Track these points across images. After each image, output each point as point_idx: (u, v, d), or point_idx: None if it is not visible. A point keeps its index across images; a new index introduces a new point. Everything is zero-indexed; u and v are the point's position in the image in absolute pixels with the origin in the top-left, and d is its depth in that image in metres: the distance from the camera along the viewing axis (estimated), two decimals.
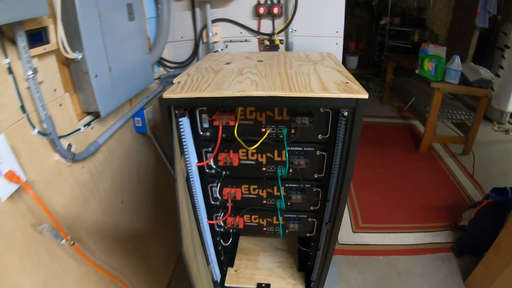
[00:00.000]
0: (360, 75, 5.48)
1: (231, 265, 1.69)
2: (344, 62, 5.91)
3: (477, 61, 3.15)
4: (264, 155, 1.12)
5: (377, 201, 2.42)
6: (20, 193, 0.79)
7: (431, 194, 2.49)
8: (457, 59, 2.65)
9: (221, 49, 1.62)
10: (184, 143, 1.05)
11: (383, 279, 1.79)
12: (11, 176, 0.71)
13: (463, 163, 2.90)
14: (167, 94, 0.93)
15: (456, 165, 2.88)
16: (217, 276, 1.59)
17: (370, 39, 5.89)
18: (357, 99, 0.83)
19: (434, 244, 2.03)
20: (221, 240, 1.46)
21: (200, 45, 1.64)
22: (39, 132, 0.84)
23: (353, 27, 5.91)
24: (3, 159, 0.70)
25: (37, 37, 0.84)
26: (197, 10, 1.57)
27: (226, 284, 1.60)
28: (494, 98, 3.56)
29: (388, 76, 4.07)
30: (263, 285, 1.59)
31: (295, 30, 1.53)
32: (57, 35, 0.87)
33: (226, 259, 1.67)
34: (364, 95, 0.83)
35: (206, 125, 1.09)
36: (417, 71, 2.98)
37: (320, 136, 1.06)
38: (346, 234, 2.09)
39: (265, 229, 1.35)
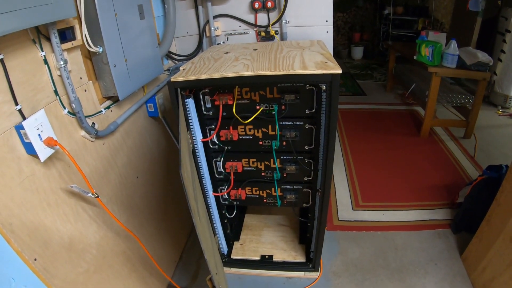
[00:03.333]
0: (366, 65, 5.56)
1: (237, 240, 1.86)
2: (349, 53, 6.00)
3: (481, 48, 3.18)
4: (260, 130, 1.28)
5: (377, 181, 2.51)
6: (53, 159, 0.97)
7: (430, 175, 2.56)
8: (453, 44, 2.72)
9: (223, 42, 1.78)
10: (190, 121, 1.22)
11: (380, 252, 1.87)
12: (49, 141, 0.89)
13: (464, 146, 2.95)
14: (174, 78, 1.10)
15: (457, 147, 2.93)
16: (224, 249, 1.75)
17: (374, 30, 5.94)
18: (332, 74, 0.98)
19: (431, 221, 2.09)
20: (226, 213, 1.62)
21: (203, 39, 1.81)
22: (68, 112, 1.03)
23: (357, 18, 5.99)
24: (43, 128, 0.88)
25: (66, 34, 1.02)
26: (200, 7, 1.74)
27: (232, 256, 1.77)
28: (497, 83, 3.59)
29: (391, 64, 4.13)
30: (266, 256, 1.75)
31: (288, 21, 1.68)
32: (82, 33, 1.06)
33: (233, 234, 1.83)
34: (338, 70, 0.97)
35: (208, 105, 1.26)
36: (415, 57, 3.06)
37: (307, 111, 1.21)
38: (346, 212, 2.20)
39: (265, 200, 1.51)
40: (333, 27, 1.68)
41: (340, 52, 6.07)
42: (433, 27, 5.11)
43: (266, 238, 1.87)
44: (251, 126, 1.28)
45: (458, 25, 4.56)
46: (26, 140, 0.86)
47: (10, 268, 0.83)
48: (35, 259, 0.89)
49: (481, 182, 1.92)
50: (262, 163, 1.38)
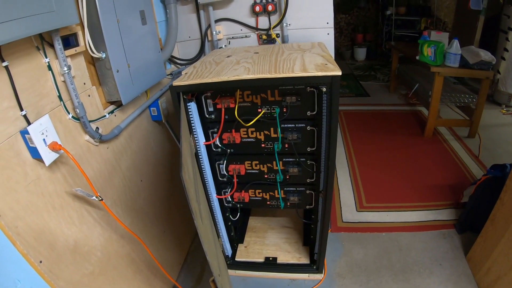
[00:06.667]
0: (369, 66, 5.55)
1: (241, 242, 1.86)
2: (352, 54, 6.00)
3: (483, 46, 3.16)
4: (262, 133, 1.29)
5: (381, 182, 2.50)
6: (58, 163, 0.99)
7: (435, 175, 2.54)
8: (456, 43, 2.71)
9: (225, 45, 1.80)
10: (192, 125, 1.23)
11: (384, 253, 1.87)
12: (54, 146, 0.90)
13: (468, 145, 2.93)
14: (176, 82, 1.12)
15: (461, 147, 2.91)
16: (228, 251, 1.76)
17: (377, 30, 5.94)
18: (332, 76, 0.99)
19: (436, 221, 2.08)
20: (230, 216, 1.63)
21: (206, 43, 1.82)
22: (72, 117, 1.04)
23: (360, 20, 5.99)
24: (48, 133, 0.90)
25: (69, 41, 1.03)
26: (201, 12, 1.76)
27: (236, 258, 1.77)
28: (500, 81, 3.57)
29: (394, 64, 4.13)
30: (271, 258, 1.75)
31: (289, 24, 1.69)
32: (85, 39, 1.08)
33: (237, 236, 1.84)
34: (338, 72, 0.98)
35: (211, 109, 1.27)
36: (417, 57, 3.05)
37: (308, 113, 1.22)
38: (350, 213, 2.20)
39: (268, 202, 1.51)
40: (336, 29, 1.69)
41: (343, 53, 6.07)
42: (435, 27, 5.09)
43: (270, 240, 1.87)
44: (253, 129, 1.28)
45: (460, 24, 4.54)
46: (31, 145, 0.88)
47: (16, 270, 0.84)
48: (41, 261, 0.90)
49: (485, 182, 1.91)
50: (265, 166, 1.38)
